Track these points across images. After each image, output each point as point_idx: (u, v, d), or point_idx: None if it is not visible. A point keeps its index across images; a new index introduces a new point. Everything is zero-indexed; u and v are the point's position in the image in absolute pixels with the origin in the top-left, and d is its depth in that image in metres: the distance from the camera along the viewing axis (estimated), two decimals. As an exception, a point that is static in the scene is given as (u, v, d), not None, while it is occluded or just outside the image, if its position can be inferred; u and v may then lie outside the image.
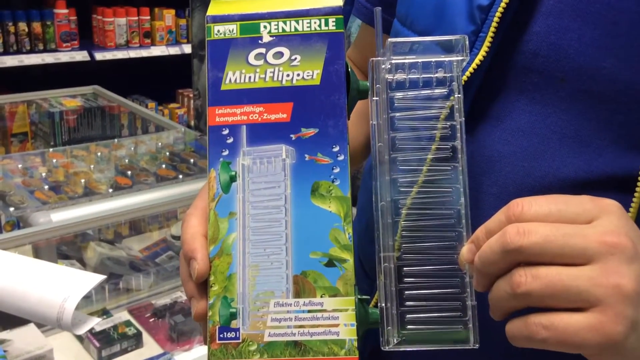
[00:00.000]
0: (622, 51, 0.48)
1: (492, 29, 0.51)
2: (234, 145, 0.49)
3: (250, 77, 0.49)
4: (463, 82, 0.52)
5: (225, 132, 0.49)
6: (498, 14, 0.50)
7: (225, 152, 0.49)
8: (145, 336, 1.28)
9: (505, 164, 0.52)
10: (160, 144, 2.07)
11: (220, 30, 0.50)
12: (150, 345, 1.27)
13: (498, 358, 0.54)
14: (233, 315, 0.47)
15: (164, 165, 1.89)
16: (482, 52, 0.51)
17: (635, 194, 0.47)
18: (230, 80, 0.49)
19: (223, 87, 0.49)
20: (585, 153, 0.50)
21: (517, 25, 0.51)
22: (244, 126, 0.49)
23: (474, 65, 0.52)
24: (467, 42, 0.48)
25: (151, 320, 1.34)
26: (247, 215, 0.48)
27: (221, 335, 0.47)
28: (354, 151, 0.68)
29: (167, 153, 1.99)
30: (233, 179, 0.48)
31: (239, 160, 0.48)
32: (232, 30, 0.50)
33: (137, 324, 1.30)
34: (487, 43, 0.51)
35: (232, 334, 0.47)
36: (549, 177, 0.51)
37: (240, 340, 0.46)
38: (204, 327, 0.48)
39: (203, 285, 0.48)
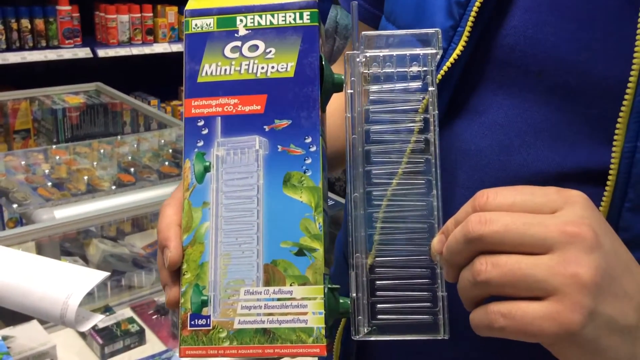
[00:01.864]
0: (598, 45, 0.48)
1: (469, 23, 0.51)
2: (208, 136, 0.50)
3: (226, 70, 0.50)
4: (441, 77, 0.52)
5: (201, 123, 0.50)
6: (475, 9, 0.51)
7: (200, 143, 0.50)
8: (148, 333, 1.28)
9: (482, 158, 0.53)
10: (162, 141, 2.07)
11: (198, 24, 0.51)
12: (153, 342, 1.27)
13: (468, 349, 0.54)
14: (204, 303, 0.48)
15: (166, 163, 1.90)
16: (460, 47, 0.52)
17: (607, 188, 0.48)
18: (206, 72, 0.50)
19: (199, 80, 0.50)
20: (560, 147, 0.50)
21: (495, 19, 0.52)
22: (219, 117, 0.50)
23: (451, 59, 0.52)
24: (440, 36, 0.49)
25: (154, 317, 1.34)
26: (220, 204, 0.49)
27: (192, 322, 0.48)
28: (339, 152, 0.68)
29: (170, 150, 1.99)
30: (207, 169, 0.49)
31: (213, 151, 0.49)
32: (210, 23, 0.51)
33: (140, 321, 1.31)
34: (464, 37, 0.52)
35: (202, 321, 0.48)
36: (524, 171, 0.51)
37: (211, 327, 0.48)
38: (176, 314, 0.48)
39: (176, 273, 0.49)
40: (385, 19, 0.63)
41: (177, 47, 3.44)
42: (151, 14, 3.38)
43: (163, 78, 3.44)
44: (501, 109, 0.52)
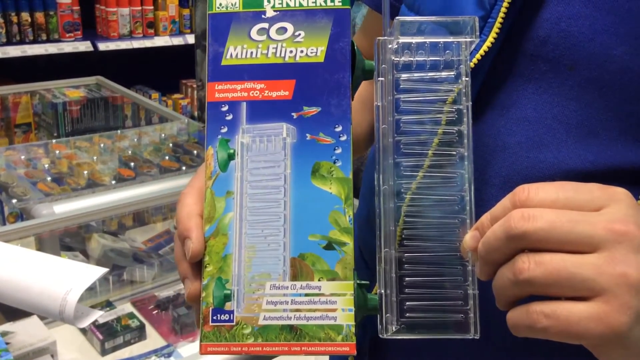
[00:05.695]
0: (634, 39, 0.46)
1: (501, 14, 0.50)
2: (233, 123, 0.47)
3: (252, 53, 0.48)
4: (470, 69, 0.50)
5: (225, 108, 0.48)
6: None
7: (224, 129, 0.47)
8: (149, 328, 1.28)
9: (510, 155, 0.51)
10: (163, 135, 2.06)
11: (222, 4, 0.49)
12: (154, 337, 1.27)
13: (499, 350, 0.53)
14: (227, 297, 0.46)
15: (167, 157, 1.89)
16: (491, 39, 0.50)
17: None
18: (231, 55, 0.48)
19: (223, 62, 0.48)
20: (592, 144, 0.49)
21: (527, 11, 0.50)
22: (244, 103, 0.48)
23: (481, 51, 0.51)
24: (477, 24, 0.47)
25: (154, 312, 1.34)
26: (244, 194, 0.47)
27: (214, 317, 0.45)
28: (356, 139, 0.67)
29: (171, 144, 1.99)
30: (231, 157, 0.47)
31: (237, 137, 0.47)
32: (235, 3, 0.49)
33: (141, 316, 1.30)
34: (495, 29, 0.50)
35: (225, 317, 0.45)
36: (554, 168, 0.50)
37: (234, 323, 0.45)
38: (197, 308, 0.46)
39: (197, 266, 0.47)
40: (407, 9, 0.61)
41: (178, 40, 3.43)
42: (152, 7, 3.37)
43: (164, 71, 3.43)
44: (530, 104, 0.51)
